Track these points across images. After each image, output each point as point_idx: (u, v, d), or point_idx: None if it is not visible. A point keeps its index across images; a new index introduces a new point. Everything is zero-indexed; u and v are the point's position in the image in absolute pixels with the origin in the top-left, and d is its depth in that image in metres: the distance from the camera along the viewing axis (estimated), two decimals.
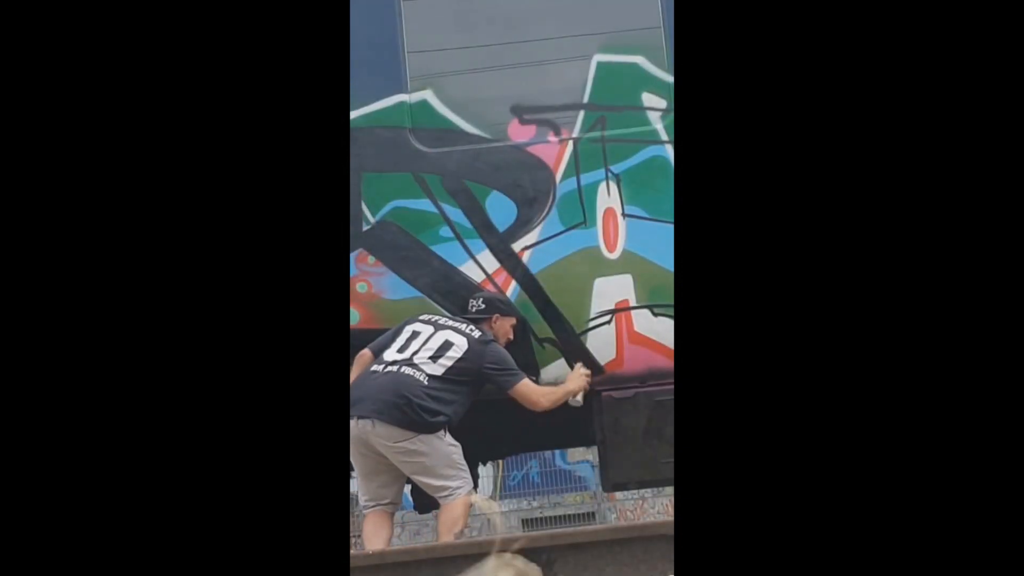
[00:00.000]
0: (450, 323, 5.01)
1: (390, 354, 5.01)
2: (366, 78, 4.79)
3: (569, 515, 13.81)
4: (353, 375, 5.01)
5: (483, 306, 5.17)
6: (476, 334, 4.97)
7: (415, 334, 5.12)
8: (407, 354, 4.93)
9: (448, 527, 5.05)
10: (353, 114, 4.73)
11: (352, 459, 4.94)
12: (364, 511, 5.10)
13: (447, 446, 4.91)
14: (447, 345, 5.03)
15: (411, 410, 4.79)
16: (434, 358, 4.97)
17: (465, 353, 4.86)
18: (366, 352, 5.03)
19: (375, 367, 4.92)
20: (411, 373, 4.88)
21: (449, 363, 4.89)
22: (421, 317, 5.10)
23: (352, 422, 4.72)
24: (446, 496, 5.06)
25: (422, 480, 4.98)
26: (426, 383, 4.86)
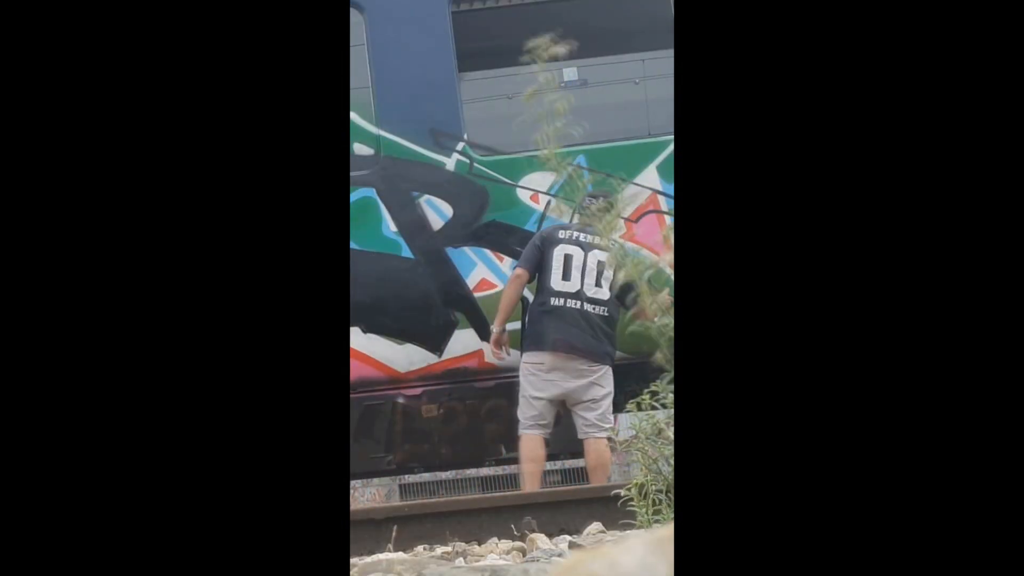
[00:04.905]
0: (591, 239, 5.69)
1: (557, 283, 5.85)
2: None
3: None
4: (513, 291, 6.02)
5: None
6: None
7: (569, 257, 5.84)
8: (575, 285, 5.82)
9: (600, 469, 5.82)
10: None
11: (529, 381, 5.89)
12: (522, 432, 6.05)
13: (612, 384, 5.82)
14: (602, 265, 5.80)
15: (597, 342, 5.77)
16: (598, 283, 5.69)
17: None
18: (522, 272, 5.94)
19: (553, 300, 5.85)
20: (591, 310, 5.87)
21: (607, 284, 5.62)
22: (561, 235, 5.82)
23: (546, 354, 5.77)
24: (596, 432, 5.84)
25: (582, 413, 5.86)
26: (604, 314, 5.88)
